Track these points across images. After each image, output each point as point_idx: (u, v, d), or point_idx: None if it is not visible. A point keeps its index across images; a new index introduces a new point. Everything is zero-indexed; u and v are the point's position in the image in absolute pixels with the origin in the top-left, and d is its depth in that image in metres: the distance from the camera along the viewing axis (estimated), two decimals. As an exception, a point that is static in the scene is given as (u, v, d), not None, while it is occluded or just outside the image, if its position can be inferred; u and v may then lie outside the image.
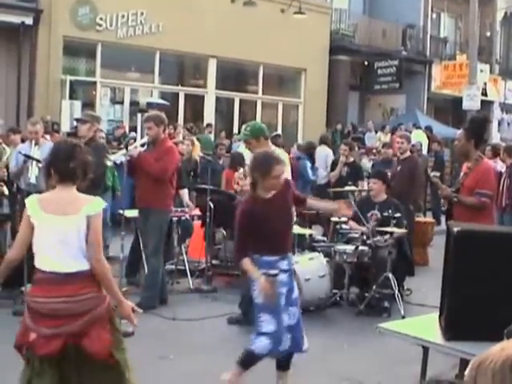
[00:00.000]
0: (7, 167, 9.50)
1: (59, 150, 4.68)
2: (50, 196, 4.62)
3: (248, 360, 5.86)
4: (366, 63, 28.12)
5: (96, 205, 4.55)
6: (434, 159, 18.75)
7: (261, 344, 5.70)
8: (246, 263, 5.68)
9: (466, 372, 2.22)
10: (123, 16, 20.31)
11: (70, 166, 4.54)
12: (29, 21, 18.40)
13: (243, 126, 8.29)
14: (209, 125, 21.14)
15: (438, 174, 8.16)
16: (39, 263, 4.50)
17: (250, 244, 5.74)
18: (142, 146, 9.01)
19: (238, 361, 5.89)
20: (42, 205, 4.49)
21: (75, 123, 9.73)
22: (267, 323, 5.69)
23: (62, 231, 4.43)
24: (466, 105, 22.41)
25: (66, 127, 17.17)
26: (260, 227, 5.67)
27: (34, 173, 8.83)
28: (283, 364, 6.04)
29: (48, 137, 11.02)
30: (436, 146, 19.59)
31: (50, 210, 4.46)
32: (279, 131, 20.93)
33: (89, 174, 4.69)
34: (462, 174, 7.55)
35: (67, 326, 4.37)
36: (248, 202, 5.83)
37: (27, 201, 4.56)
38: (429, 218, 16.07)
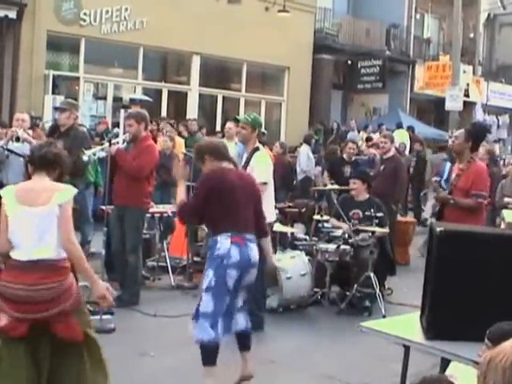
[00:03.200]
0: None
1: (35, 145, 5.19)
2: (24, 186, 4.81)
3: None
4: (349, 62, 28.16)
5: (66, 193, 4.71)
6: (416, 159, 18.82)
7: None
8: None
9: (478, 367, 2.21)
10: (107, 11, 20.22)
11: (40, 154, 4.82)
12: (12, 15, 18.26)
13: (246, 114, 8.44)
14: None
15: (438, 178, 8.23)
16: (11, 253, 4.64)
17: None
18: (123, 142, 8.98)
19: None
20: (17, 195, 4.66)
21: (56, 113, 9.60)
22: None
23: (35, 221, 4.59)
24: (448, 105, 22.54)
25: (48, 122, 17.06)
26: None
27: (14, 168, 8.78)
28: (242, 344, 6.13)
29: (30, 132, 10.93)
30: (418, 146, 19.67)
31: (23, 201, 4.62)
32: (263, 129, 20.94)
33: (64, 167, 4.92)
34: (453, 175, 7.59)
35: (33, 313, 4.53)
36: None
37: (3, 192, 4.73)
38: (410, 218, 16.11)
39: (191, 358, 6.92)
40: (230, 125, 13.25)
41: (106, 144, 8.77)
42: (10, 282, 4.56)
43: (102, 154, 9.01)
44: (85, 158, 8.42)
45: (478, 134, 7.57)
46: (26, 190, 4.71)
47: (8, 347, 4.59)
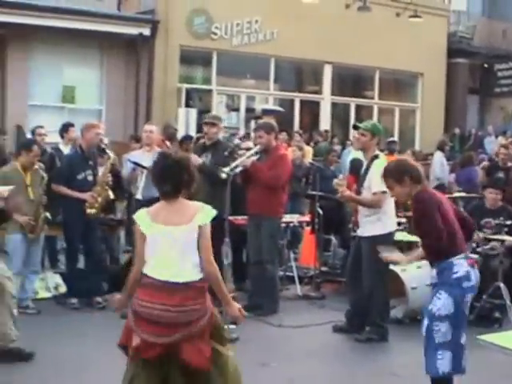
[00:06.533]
0: (114, 173, 9.52)
1: (160, 165, 4.73)
2: (158, 207, 4.67)
3: None
4: (485, 66, 27.46)
5: (207, 214, 4.60)
6: None
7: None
8: None
9: None
10: (238, 24, 20.58)
11: (168, 183, 4.61)
12: (146, 32, 19.02)
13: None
14: (326, 131, 21.10)
15: None
16: (149, 271, 4.55)
17: None
18: (256, 154, 8.99)
19: None
20: (152, 216, 4.57)
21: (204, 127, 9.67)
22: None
23: (176, 241, 4.50)
24: None
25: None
26: None
27: (142, 180, 9.00)
28: None
29: (168, 143, 11.31)
30: None
31: (159, 220, 4.53)
32: (396, 137, 20.76)
33: (192, 187, 4.71)
34: None
35: (166, 336, 4.43)
36: None
37: (136, 215, 4.63)
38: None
39: (312, 370, 6.91)
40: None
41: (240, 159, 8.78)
42: (146, 301, 4.47)
43: (239, 168, 8.91)
44: (223, 175, 8.33)
45: None
46: (160, 210, 4.61)
47: (140, 369, 4.53)
